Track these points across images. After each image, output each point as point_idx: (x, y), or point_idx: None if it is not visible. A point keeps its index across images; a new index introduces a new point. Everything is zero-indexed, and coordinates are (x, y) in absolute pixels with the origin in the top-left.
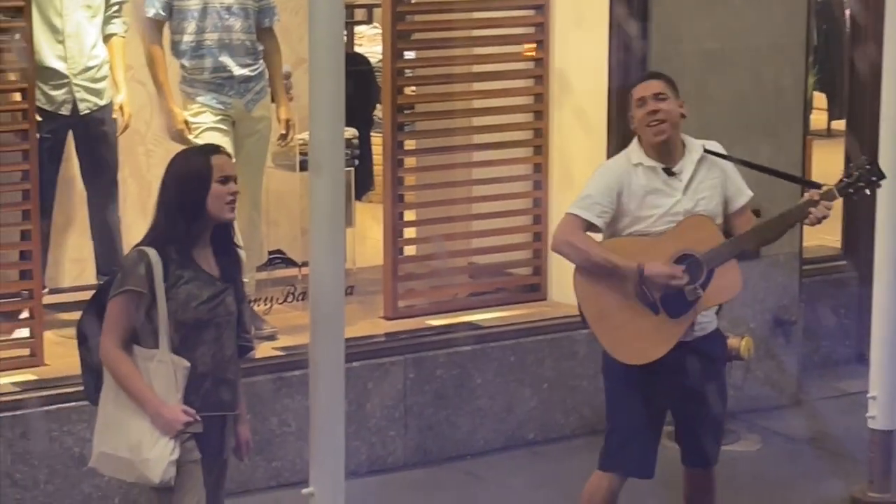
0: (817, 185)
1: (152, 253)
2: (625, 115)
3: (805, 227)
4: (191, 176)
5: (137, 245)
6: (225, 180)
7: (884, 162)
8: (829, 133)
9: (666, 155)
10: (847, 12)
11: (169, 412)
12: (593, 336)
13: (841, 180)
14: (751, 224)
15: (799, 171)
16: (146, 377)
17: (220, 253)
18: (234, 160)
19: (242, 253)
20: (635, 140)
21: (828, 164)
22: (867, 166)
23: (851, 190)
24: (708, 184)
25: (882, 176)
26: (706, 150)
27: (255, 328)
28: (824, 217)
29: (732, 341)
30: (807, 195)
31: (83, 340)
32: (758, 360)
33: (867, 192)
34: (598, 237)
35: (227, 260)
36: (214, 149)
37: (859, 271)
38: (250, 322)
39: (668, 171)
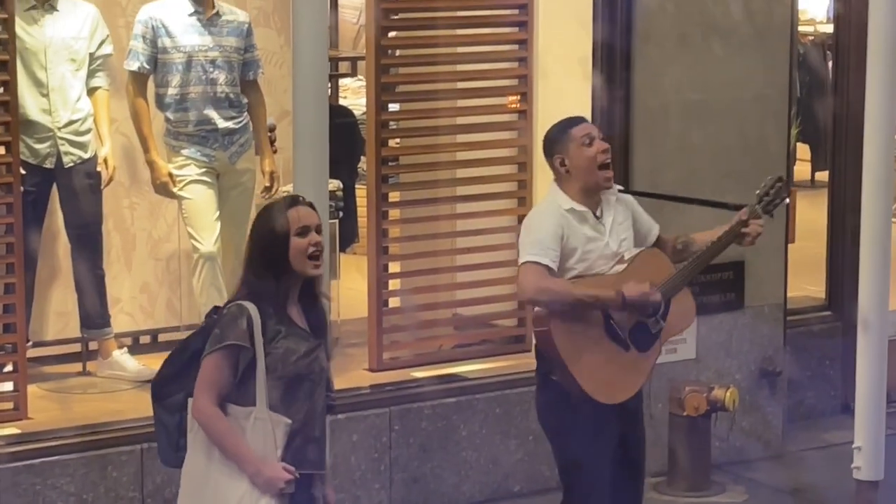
0: (736, 207)
1: (251, 307)
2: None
3: (790, 279)
4: (269, 233)
5: (232, 300)
6: (304, 232)
7: (866, 212)
8: (812, 184)
9: (592, 199)
10: (830, 63)
11: (270, 470)
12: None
13: (760, 199)
14: (668, 248)
15: (783, 222)
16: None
17: (308, 308)
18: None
19: (327, 302)
20: (556, 186)
21: (812, 214)
22: (778, 183)
23: (771, 207)
24: (624, 225)
25: (789, 192)
26: (620, 190)
27: None
28: (758, 234)
29: (718, 392)
30: (736, 217)
31: (159, 398)
32: (743, 411)
33: (781, 204)
34: None
35: (315, 316)
36: (293, 200)
37: (843, 322)
38: (332, 381)
39: (594, 215)
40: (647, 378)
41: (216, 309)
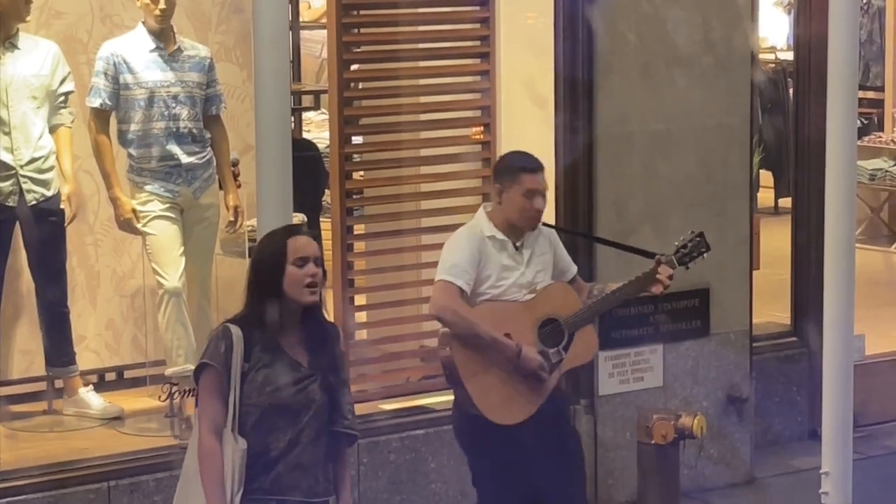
0: (652, 255)
1: (235, 330)
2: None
3: (755, 306)
4: (265, 259)
5: (226, 321)
6: (302, 263)
7: (830, 238)
8: (776, 210)
9: (515, 231)
10: (790, 91)
11: None
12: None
13: (677, 250)
14: (584, 290)
15: (747, 250)
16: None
17: (310, 339)
18: (310, 241)
19: (336, 330)
20: (483, 212)
21: (776, 241)
22: (697, 238)
23: (687, 259)
24: (543, 258)
25: (708, 248)
26: (544, 224)
27: None
28: (667, 285)
29: (685, 420)
30: (653, 264)
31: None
32: (710, 438)
33: (696, 260)
34: None
35: (316, 347)
36: (295, 230)
37: (809, 347)
38: (349, 408)
39: (514, 245)
40: (541, 402)
41: None
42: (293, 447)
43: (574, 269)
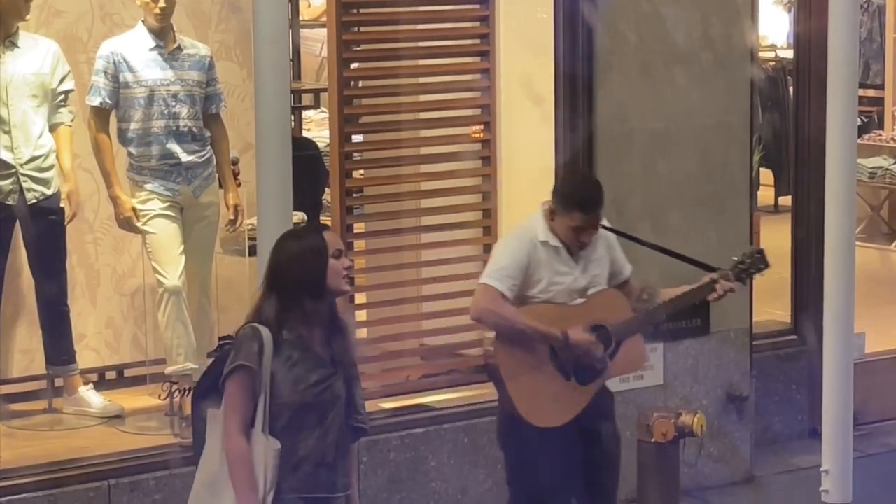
0: (711, 268)
1: (265, 331)
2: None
3: (755, 302)
4: (310, 254)
5: (248, 323)
6: (339, 254)
7: (830, 236)
8: (776, 209)
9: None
10: (790, 89)
11: None
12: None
13: (735, 265)
14: (633, 294)
15: (747, 246)
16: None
17: (333, 335)
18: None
19: (347, 324)
20: (542, 216)
21: (776, 239)
22: (757, 254)
23: (744, 276)
24: (600, 261)
25: (767, 265)
26: (602, 227)
27: None
28: (729, 291)
29: (685, 418)
30: (707, 278)
31: (195, 410)
32: (710, 436)
33: (754, 277)
34: None
35: (338, 342)
36: (323, 227)
37: (809, 346)
38: (361, 402)
39: (569, 251)
40: (584, 406)
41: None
42: (320, 445)
43: (628, 270)
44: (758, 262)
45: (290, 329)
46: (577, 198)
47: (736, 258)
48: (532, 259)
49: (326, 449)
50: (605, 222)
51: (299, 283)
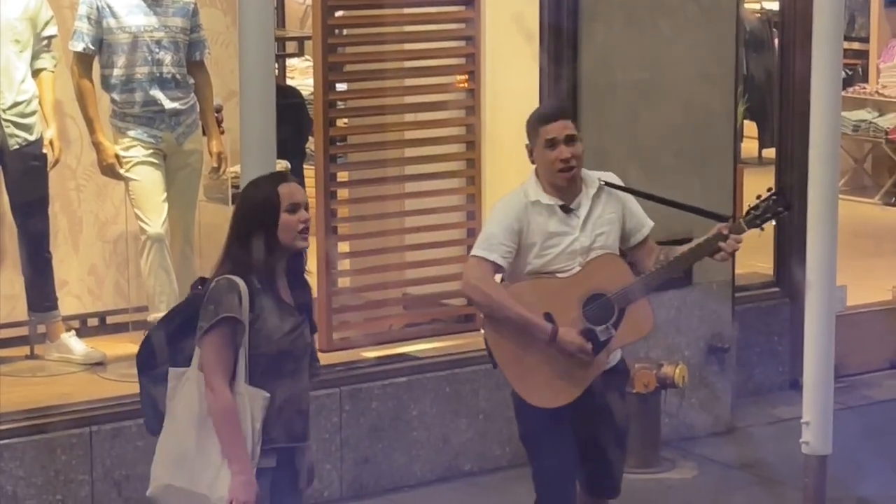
0: (724, 218)
1: (240, 282)
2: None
3: (738, 256)
4: (258, 206)
5: (218, 275)
6: (294, 208)
7: (813, 189)
8: (760, 161)
9: (565, 193)
10: (776, 41)
11: (250, 481)
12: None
13: (748, 212)
14: (653, 254)
15: (730, 199)
16: None
17: (295, 284)
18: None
19: (312, 280)
20: (533, 175)
21: (759, 191)
22: (773, 197)
23: (759, 221)
24: (606, 218)
25: (789, 205)
26: (604, 183)
27: None
28: (734, 251)
29: (667, 369)
30: (715, 228)
31: (145, 370)
32: (692, 387)
33: (773, 221)
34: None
35: (301, 292)
36: (282, 177)
37: (791, 298)
38: (315, 351)
39: (565, 209)
40: (588, 384)
41: (201, 280)
42: (295, 393)
43: (648, 226)
44: (774, 205)
45: (258, 278)
46: (539, 112)
47: (751, 204)
48: (522, 222)
49: (301, 396)
50: (613, 180)
51: (252, 235)
